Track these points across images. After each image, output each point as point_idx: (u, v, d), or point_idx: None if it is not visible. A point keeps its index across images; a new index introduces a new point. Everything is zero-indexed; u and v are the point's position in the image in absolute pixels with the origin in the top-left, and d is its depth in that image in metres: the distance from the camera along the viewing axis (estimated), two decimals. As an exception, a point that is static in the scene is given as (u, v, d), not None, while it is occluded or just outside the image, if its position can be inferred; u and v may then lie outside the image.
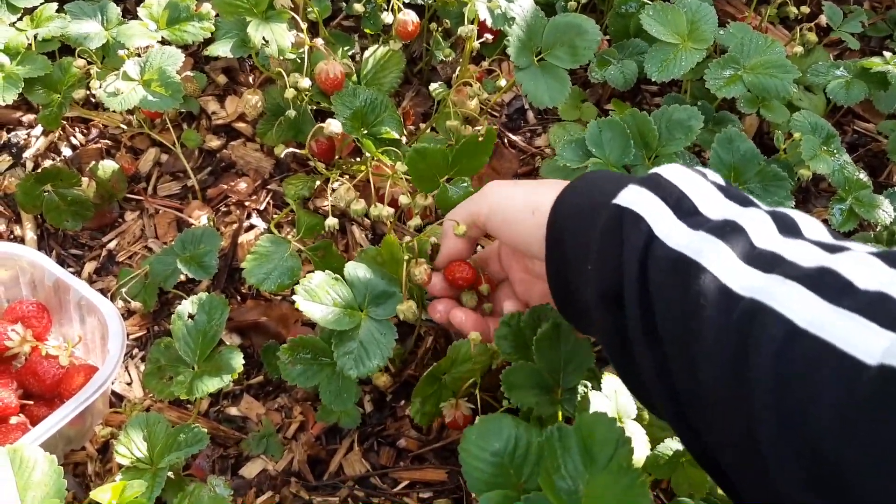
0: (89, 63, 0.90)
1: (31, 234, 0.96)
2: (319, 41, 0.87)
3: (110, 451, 0.82)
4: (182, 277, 0.88)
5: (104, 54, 0.94)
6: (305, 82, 0.84)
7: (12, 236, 0.96)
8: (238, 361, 0.77)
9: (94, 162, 0.97)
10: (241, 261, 0.94)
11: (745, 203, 0.52)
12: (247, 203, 0.97)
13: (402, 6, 0.91)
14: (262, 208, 0.97)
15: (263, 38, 0.83)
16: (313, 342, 0.77)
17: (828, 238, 0.48)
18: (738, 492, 0.47)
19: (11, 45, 0.90)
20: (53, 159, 1.01)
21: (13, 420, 0.76)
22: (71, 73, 0.92)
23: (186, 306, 0.80)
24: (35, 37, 0.91)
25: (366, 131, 0.88)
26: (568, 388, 0.72)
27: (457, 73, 0.95)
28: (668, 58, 0.89)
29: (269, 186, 0.99)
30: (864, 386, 0.37)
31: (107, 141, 1.02)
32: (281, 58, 0.85)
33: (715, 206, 0.52)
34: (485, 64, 0.94)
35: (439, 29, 1.00)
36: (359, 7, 0.93)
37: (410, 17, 0.91)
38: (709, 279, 0.45)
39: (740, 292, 0.44)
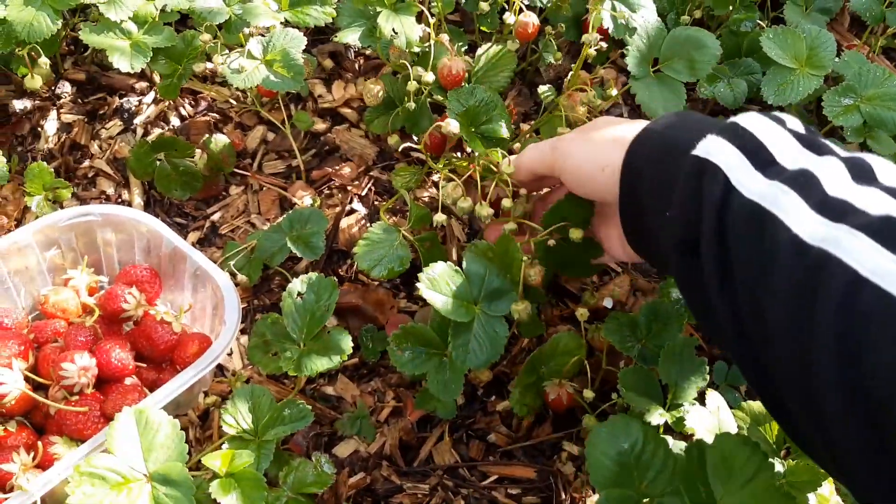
0: (213, 38, 0.92)
1: (138, 200, 0.98)
2: (445, 37, 0.88)
3: (210, 418, 0.85)
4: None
5: (220, 30, 0.96)
6: (430, 76, 0.86)
7: (119, 200, 0.98)
8: (347, 343, 0.79)
9: (205, 135, 0.99)
10: (341, 244, 0.96)
11: (822, 151, 0.53)
12: (349, 188, 0.99)
13: (524, 7, 0.92)
14: (363, 194, 0.99)
15: (393, 29, 0.84)
16: (423, 331, 0.78)
17: None
18: (802, 436, 0.50)
19: (140, 14, 0.92)
20: (162, 128, 1.03)
21: (128, 381, 0.78)
22: (195, 47, 0.94)
23: (297, 285, 0.82)
24: (163, 8, 0.93)
25: (474, 129, 0.89)
26: (677, 403, 0.73)
27: (568, 77, 0.96)
28: (785, 82, 0.90)
29: (371, 173, 1.01)
30: None
31: (215, 115, 1.04)
32: (406, 50, 0.87)
33: (791, 155, 0.53)
34: (601, 71, 0.95)
35: (553, 32, 1.01)
36: (484, 6, 0.94)
37: (531, 20, 0.92)
38: (782, 229, 0.48)
39: (810, 241, 0.46)
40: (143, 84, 1.06)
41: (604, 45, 0.93)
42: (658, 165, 0.62)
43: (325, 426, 0.85)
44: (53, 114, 1.02)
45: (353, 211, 0.98)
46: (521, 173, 0.79)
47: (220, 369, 0.88)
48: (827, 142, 0.55)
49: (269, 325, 0.83)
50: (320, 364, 0.78)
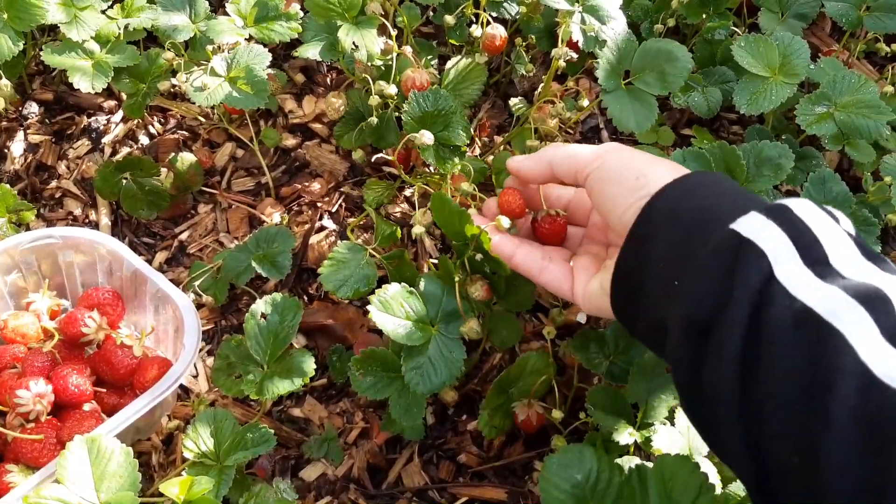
0: (177, 56, 0.91)
1: (105, 220, 0.97)
2: (408, 49, 0.87)
3: (174, 442, 0.83)
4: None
5: (187, 47, 0.95)
6: (392, 89, 0.84)
7: (87, 220, 0.97)
8: (310, 366, 0.77)
9: (171, 153, 0.97)
10: (310, 262, 0.95)
11: (882, 264, 0.47)
12: (319, 204, 0.97)
13: (490, 20, 0.91)
14: (333, 210, 0.98)
15: (353, 43, 0.83)
16: (384, 356, 0.77)
17: None
18: None
19: (102, 34, 0.91)
20: (131, 147, 1.02)
21: (86, 407, 0.77)
22: (158, 65, 0.93)
23: (260, 305, 0.81)
24: (126, 26, 0.92)
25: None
26: (647, 422, 0.71)
27: (539, 89, 0.95)
28: (758, 91, 0.88)
29: (342, 189, 0.99)
30: None
31: (184, 132, 1.03)
32: (369, 63, 0.85)
33: (850, 261, 0.46)
34: (570, 83, 0.93)
35: (524, 44, 0.99)
36: (450, 19, 0.92)
37: (499, 32, 0.91)
38: (847, 352, 0.40)
39: (885, 380, 0.38)
40: (112, 103, 1.04)
41: (573, 55, 0.92)
42: (681, 226, 0.53)
43: (292, 449, 0.84)
44: (20, 134, 1.01)
45: (322, 228, 0.96)
46: (540, 164, 0.69)
47: (186, 392, 0.87)
48: (880, 253, 0.49)
49: (233, 346, 0.81)
50: (283, 387, 0.77)
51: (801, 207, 0.49)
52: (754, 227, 0.48)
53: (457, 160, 0.80)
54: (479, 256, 0.74)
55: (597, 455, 0.61)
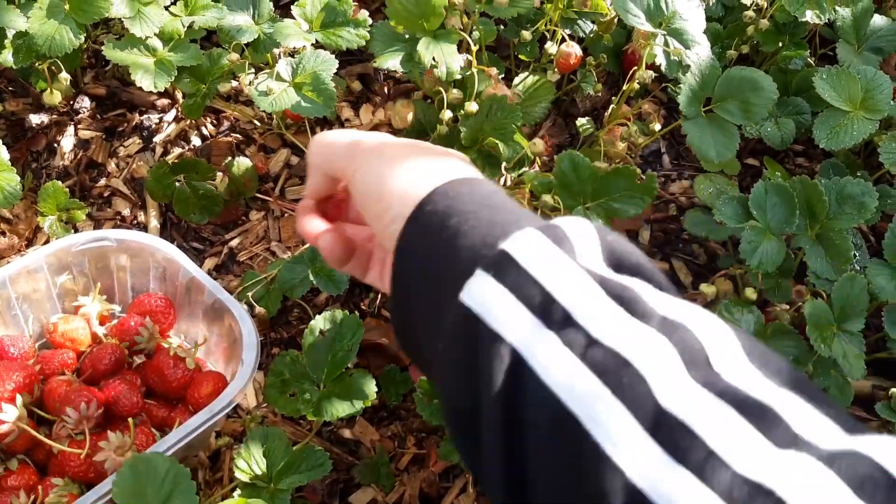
0: (241, 57, 0.88)
1: (154, 222, 0.94)
2: (494, 70, 0.84)
3: (221, 459, 0.80)
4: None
5: (257, 49, 0.92)
6: (473, 106, 0.81)
7: (135, 221, 0.94)
8: (371, 389, 0.75)
9: (225, 156, 0.95)
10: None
11: (634, 305, 0.35)
12: (375, 217, 0.94)
13: (566, 37, 0.88)
14: (389, 225, 0.95)
15: (433, 57, 0.80)
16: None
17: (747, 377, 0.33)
18: None
19: (166, 31, 0.88)
20: (182, 147, 0.99)
21: (135, 420, 0.74)
22: (220, 66, 0.90)
23: (319, 322, 0.78)
24: (191, 24, 0.89)
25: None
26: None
27: (609, 111, 0.92)
28: (838, 125, 0.85)
29: (398, 203, 0.96)
30: None
31: (237, 135, 1.00)
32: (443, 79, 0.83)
33: (592, 311, 0.36)
34: (645, 106, 0.91)
35: (594, 63, 0.96)
36: (526, 34, 0.89)
37: (574, 50, 0.88)
38: (606, 466, 0.31)
39: (649, 494, 0.30)
40: (165, 101, 1.02)
41: (650, 77, 0.89)
42: (425, 277, 0.43)
43: (342, 472, 0.81)
44: (70, 129, 0.98)
45: (378, 242, 0.93)
46: (313, 171, 0.55)
47: (234, 407, 0.84)
48: (633, 258, 0.39)
49: (288, 363, 0.79)
50: (341, 409, 0.74)
51: (529, 247, 0.38)
52: (485, 295, 0.38)
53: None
54: None
55: None
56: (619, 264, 0.39)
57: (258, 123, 1.00)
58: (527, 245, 0.38)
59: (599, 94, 1.01)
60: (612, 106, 0.91)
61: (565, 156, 0.77)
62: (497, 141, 0.79)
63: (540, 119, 0.95)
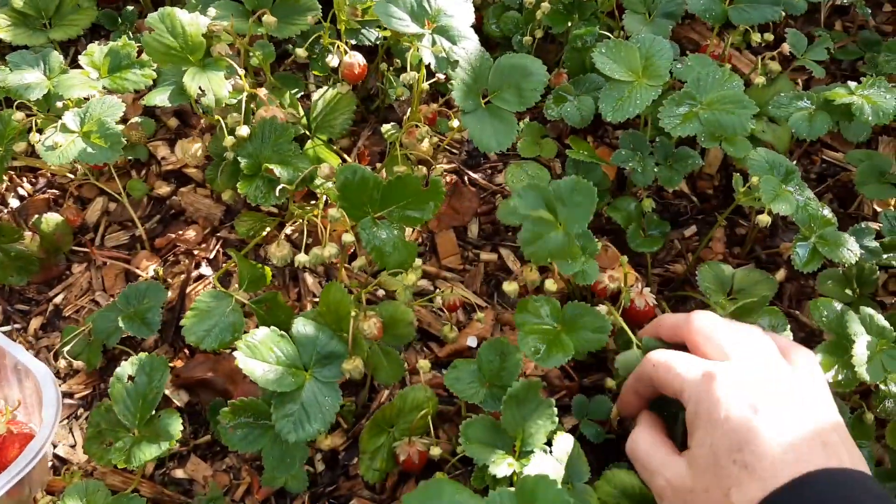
0: (29, 115, 0.88)
1: (-25, 290, 0.93)
2: (262, 90, 0.85)
3: (49, 519, 0.80)
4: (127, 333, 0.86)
5: (48, 105, 0.91)
6: (244, 130, 0.82)
7: (-44, 292, 0.93)
8: (176, 427, 0.74)
9: (38, 214, 0.94)
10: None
11: None
12: (196, 252, 0.94)
13: (347, 49, 0.89)
14: (211, 257, 0.95)
15: (200, 87, 0.81)
16: (255, 405, 0.74)
17: None
18: None
19: (-54, 100, 0.87)
20: (1, 211, 0.98)
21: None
22: (11, 127, 0.89)
23: (126, 368, 0.78)
24: (-26, 89, 0.88)
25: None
26: (526, 451, 0.69)
27: (407, 114, 0.93)
28: (622, 96, 0.87)
29: (219, 234, 0.96)
30: None
31: (54, 190, 1.00)
32: (224, 105, 0.83)
33: None
34: (434, 106, 0.92)
35: (390, 69, 0.97)
36: (301, 52, 0.90)
37: (357, 60, 0.89)
38: None
39: None
40: (-23, 167, 1.01)
41: (441, 76, 0.90)
42: None
43: (177, 512, 0.80)
44: None
45: (201, 276, 0.93)
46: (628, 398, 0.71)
47: (64, 463, 0.83)
48: None
49: (104, 412, 0.78)
50: (149, 452, 0.74)
51: None
52: None
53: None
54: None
55: (456, 489, 0.59)
56: None
57: (72, 176, 0.99)
58: None
59: (408, 97, 1.02)
60: (409, 109, 0.92)
61: (346, 168, 0.78)
62: (276, 165, 0.79)
63: (347, 130, 0.96)
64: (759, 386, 0.58)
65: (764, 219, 0.82)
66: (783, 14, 0.97)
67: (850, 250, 0.83)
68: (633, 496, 0.70)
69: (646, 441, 0.65)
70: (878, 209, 1.01)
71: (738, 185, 0.84)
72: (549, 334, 0.74)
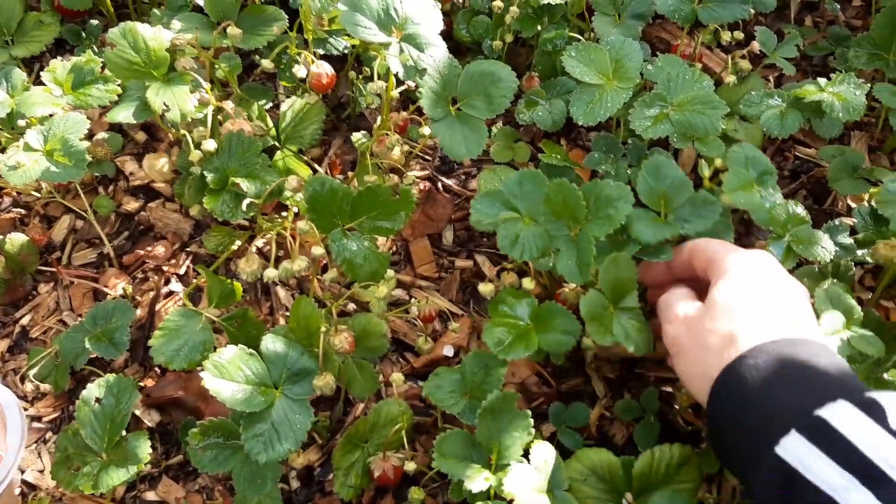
0: (-6, 133, 0.86)
1: (-61, 314, 0.91)
2: (229, 103, 0.83)
3: (19, 547, 0.78)
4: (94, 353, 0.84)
5: (11, 123, 0.90)
6: (210, 144, 0.80)
7: (-80, 316, 0.91)
8: (145, 450, 0.73)
9: (2, 235, 0.92)
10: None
11: None
12: (165, 268, 0.93)
13: (315, 59, 0.88)
14: (181, 272, 0.93)
15: (164, 102, 0.79)
16: (225, 425, 0.73)
17: None
18: None
19: None
20: (-35, 232, 0.96)
21: None
22: (-29, 146, 0.87)
23: (93, 390, 0.76)
24: (-66, 109, 0.86)
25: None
26: (503, 464, 0.68)
27: (377, 122, 0.92)
28: (593, 100, 0.86)
29: (188, 249, 0.95)
30: None
31: (20, 210, 0.98)
32: (189, 119, 0.82)
33: None
34: (404, 114, 0.91)
35: (360, 77, 0.96)
36: (267, 64, 0.89)
37: (324, 70, 0.88)
38: None
39: None
40: (-61, 188, 0.99)
41: (411, 83, 0.89)
42: (743, 425, 0.56)
43: (150, 536, 0.79)
44: None
45: (171, 293, 0.92)
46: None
47: (33, 489, 0.81)
48: None
49: (71, 437, 0.77)
50: (117, 477, 0.72)
51: (840, 416, 0.49)
52: (799, 451, 0.49)
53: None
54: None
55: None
56: None
57: (38, 195, 0.97)
58: (839, 411, 0.49)
59: (378, 106, 1.01)
60: (378, 117, 0.91)
61: (314, 180, 0.76)
62: (243, 178, 0.78)
63: (317, 140, 0.94)
64: (777, 273, 0.69)
65: (727, 199, 0.79)
66: (752, 12, 0.97)
67: (825, 248, 0.83)
68: (602, 475, 0.70)
69: (681, 295, 0.71)
70: (853, 204, 1.00)
71: (702, 170, 0.83)
72: (519, 329, 0.73)
